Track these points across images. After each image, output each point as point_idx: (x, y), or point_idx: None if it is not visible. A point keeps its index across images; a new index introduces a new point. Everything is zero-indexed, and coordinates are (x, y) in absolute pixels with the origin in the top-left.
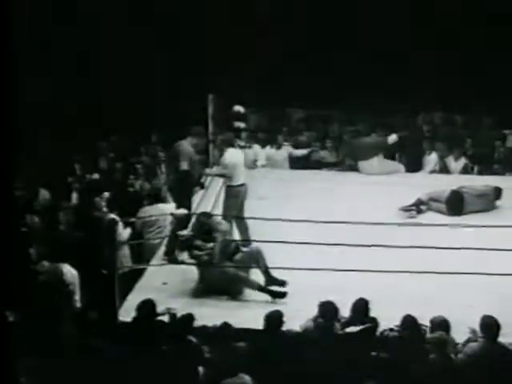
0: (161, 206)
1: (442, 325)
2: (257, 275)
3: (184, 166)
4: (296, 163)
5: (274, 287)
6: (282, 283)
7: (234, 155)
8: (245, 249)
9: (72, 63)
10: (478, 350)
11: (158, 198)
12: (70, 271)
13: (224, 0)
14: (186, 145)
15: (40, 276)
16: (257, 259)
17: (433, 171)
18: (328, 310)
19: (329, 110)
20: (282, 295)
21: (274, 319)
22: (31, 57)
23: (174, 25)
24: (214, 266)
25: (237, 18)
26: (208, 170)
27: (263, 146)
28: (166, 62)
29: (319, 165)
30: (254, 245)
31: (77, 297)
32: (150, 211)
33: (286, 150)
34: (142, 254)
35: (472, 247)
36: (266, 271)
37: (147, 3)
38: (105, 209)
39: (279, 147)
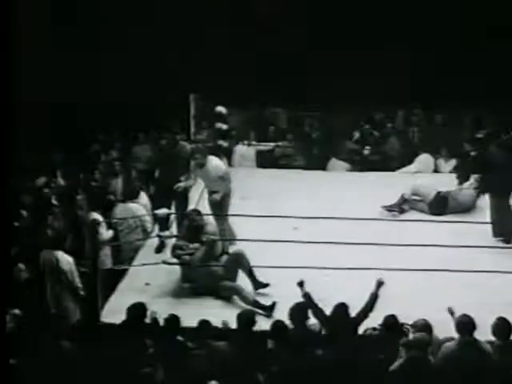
0: (130, 205)
1: (424, 328)
2: (242, 278)
3: (156, 173)
4: (263, 160)
5: (262, 301)
6: (265, 285)
7: (218, 165)
8: (229, 251)
9: (52, 63)
10: (455, 349)
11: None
12: (65, 258)
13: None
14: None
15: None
16: (240, 263)
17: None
18: (298, 312)
19: (311, 111)
20: (271, 309)
21: (246, 318)
22: None
23: (157, 24)
24: (198, 266)
25: (223, 18)
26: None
27: (235, 144)
28: (151, 61)
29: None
30: (237, 248)
31: (78, 284)
32: (120, 210)
33: (255, 148)
34: (122, 255)
35: (453, 245)
36: (250, 274)
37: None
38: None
39: (249, 145)
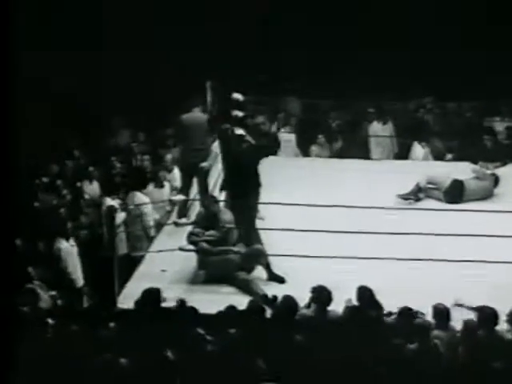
0: (137, 195)
1: (443, 312)
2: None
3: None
4: None
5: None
6: (281, 280)
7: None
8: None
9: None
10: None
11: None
12: (65, 247)
13: None
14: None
15: None
16: (258, 259)
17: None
18: (321, 294)
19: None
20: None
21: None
22: None
23: (173, 11)
24: (214, 254)
25: (237, 6)
26: None
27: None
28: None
29: None
30: (256, 245)
31: (76, 273)
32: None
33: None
34: (137, 241)
35: (470, 234)
36: (267, 267)
37: None
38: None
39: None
